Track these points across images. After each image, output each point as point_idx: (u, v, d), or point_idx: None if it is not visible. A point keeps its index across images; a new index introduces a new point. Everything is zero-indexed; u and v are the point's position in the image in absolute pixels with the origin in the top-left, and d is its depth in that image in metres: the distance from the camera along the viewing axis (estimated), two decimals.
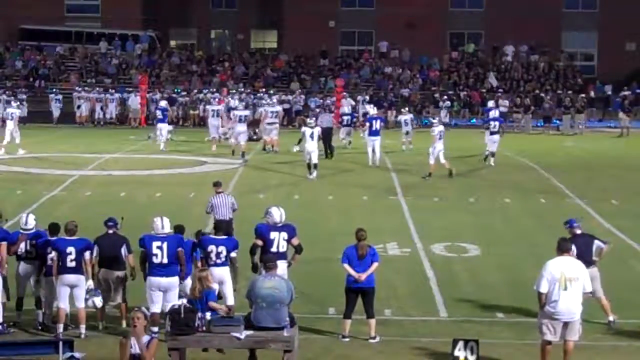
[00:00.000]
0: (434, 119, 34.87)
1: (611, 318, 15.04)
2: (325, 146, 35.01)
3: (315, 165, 30.50)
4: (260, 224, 14.96)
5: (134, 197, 26.60)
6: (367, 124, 34.65)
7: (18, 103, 42.16)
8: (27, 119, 50.35)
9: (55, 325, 14.32)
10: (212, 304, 12.78)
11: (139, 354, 11.27)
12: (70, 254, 14.30)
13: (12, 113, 37.05)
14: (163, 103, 41.64)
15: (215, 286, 13.66)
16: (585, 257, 14.18)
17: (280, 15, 65.99)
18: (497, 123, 34.28)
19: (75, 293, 14.40)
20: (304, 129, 31.55)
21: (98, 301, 14.38)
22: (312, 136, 30.53)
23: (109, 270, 14.78)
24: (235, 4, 68.24)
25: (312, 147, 30.39)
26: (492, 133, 33.98)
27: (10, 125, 36.54)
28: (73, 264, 14.32)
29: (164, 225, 14.19)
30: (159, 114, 39.64)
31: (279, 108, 40.87)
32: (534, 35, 60.85)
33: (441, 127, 30.99)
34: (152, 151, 38.14)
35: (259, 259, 14.42)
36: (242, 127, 35.59)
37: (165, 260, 13.98)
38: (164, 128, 38.70)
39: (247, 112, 37.67)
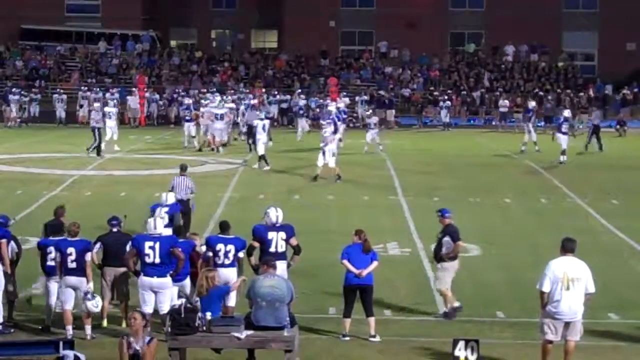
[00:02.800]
0: (324, 120, 35.83)
1: (457, 304, 15.40)
2: (250, 140, 36.64)
3: (262, 157, 32.27)
4: (258, 225, 14.97)
5: (135, 197, 26.58)
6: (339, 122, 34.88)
7: (114, 102, 43.35)
8: (30, 119, 50.49)
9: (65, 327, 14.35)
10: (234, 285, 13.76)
11: (138, 353, 11.25)
12: (70, 254, 14.32)
13: (110, 112, 38.74)
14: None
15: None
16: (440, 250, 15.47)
17: (280, 15, 65.98)
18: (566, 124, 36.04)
19: (78, 295, 14.42)
20: (256, 121, 33.48)
21: (91, 305, 14.29)
22: (263, 128, 32.60)
23: (115, 268, 14.88)
24: (236, 4, 68.27)
25: (264, 139, 32.55)
26: (563, 133, 35.24)
27: (111, 123, 38.13)
28: (74, 265, 14.34)
29: (156, 226, 14.22)
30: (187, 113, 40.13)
31: (224, 110, 40.18)
32: (534, 35, 60.87)
33: (332, 129, 31.17)
34: (152, 151, 38.16)
35: (257, 260, 14.45)
36: (219, 125, 36.93)
37: (157, 260, 14.00)
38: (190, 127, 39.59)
39: (224, 110, 38.12)
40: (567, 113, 37.69)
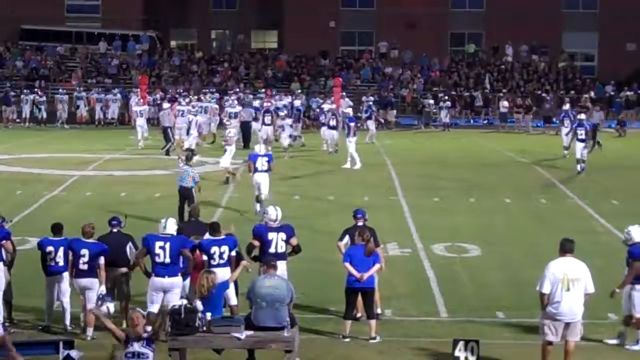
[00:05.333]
0: (227, 121, 36.70)
1: (379, 310, 15.20)
2: (244, 137, 38.16)
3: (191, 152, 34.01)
4: (259, 225, 15.08)
5: (135, 197, 26.59)
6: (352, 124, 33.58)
7: (142, 100, 44.85)
8: (31, 119, 50.39)
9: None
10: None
11: (138, 352, 11.23)
12: (83, 256, 14.38)
13: (141, 111, 40.61)
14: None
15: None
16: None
17: (280, 15, 65.98)
18: (581, 129, 32.76)
19: (87, 295, 14.44)
20: (190, 116, 35.98)
21: (105, 309, 14.29)
22: (196, 123, 35.48)
23: (115, 268, 14.88)
24: (236, 4, 68.23)
25: (195, 134, 35.18)
26: (580, 140, 32.43)
27: (140, 121, 39.73)
28: (85, 267, 14.38)
29: (166, 226, 14.25)
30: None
31: (237, 109, 39.91)
32: (534, 35, 60.87)
33: (235, 131, 31.28)
34: (153, 151, 38.13)
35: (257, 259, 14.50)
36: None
37: (167, 260, 14.04)
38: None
39: (237, 110, 38.99)
40: (582, 116, 34.54)
